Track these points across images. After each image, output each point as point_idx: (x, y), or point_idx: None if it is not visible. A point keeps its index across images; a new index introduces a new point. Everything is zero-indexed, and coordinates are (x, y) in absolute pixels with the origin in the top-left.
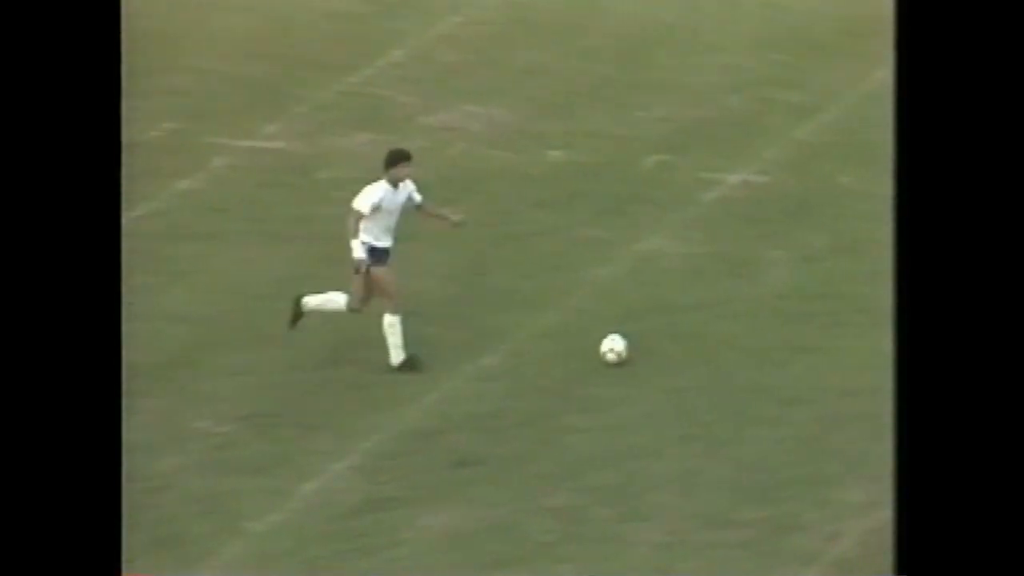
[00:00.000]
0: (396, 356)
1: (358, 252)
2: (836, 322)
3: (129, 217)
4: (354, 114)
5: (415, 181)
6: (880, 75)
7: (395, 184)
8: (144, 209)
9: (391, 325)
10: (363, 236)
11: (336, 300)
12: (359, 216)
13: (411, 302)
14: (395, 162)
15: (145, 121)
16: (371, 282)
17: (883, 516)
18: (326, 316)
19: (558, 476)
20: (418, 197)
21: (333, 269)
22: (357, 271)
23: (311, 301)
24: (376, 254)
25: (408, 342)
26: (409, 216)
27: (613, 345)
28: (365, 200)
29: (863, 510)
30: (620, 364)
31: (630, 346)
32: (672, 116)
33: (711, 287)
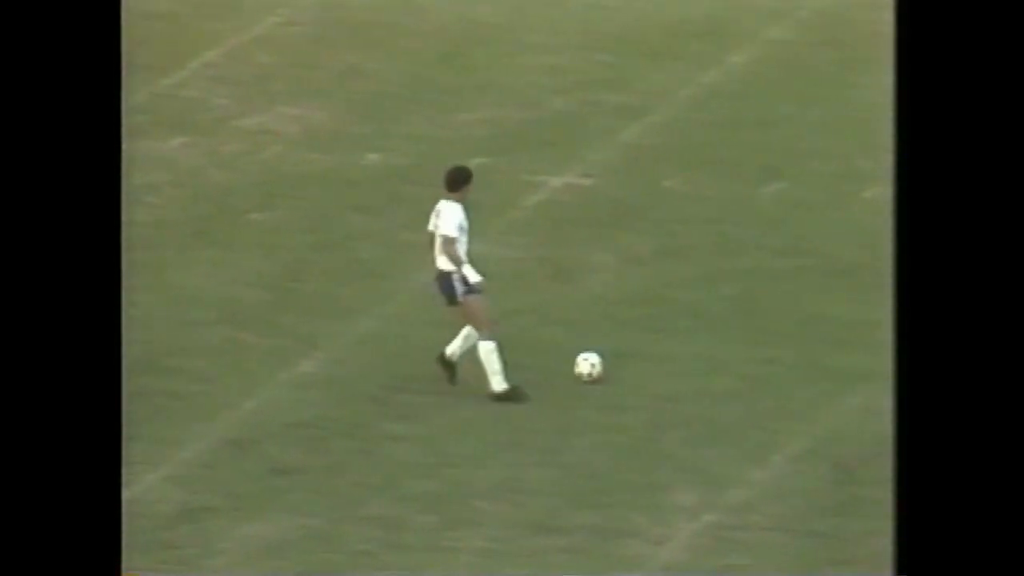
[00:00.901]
0: (497, 384)
1: (475, 276)
2: (662, 327)
3: None
4: (167, 117)
5: (228, 185)
6: (707, 78)
7: (464, 204)
8: None
9: (490, 352)
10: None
11: (471, 337)
12: (454, 241)
13: (227, 309)
14: (467, 180)
15: None
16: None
17: (712, 519)
18: (148, 322)
19: (378, 484)
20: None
21: (147, 276)
22: (463, 298)
23: (456, 351)
24: (465, 281)
25: (225, 350)
26: (227, 220)
27: (590, 358)
28: (452, 224)
29: (692, 514)
30: (594, 381)
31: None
32: (494, 118)
33: (534, 292)
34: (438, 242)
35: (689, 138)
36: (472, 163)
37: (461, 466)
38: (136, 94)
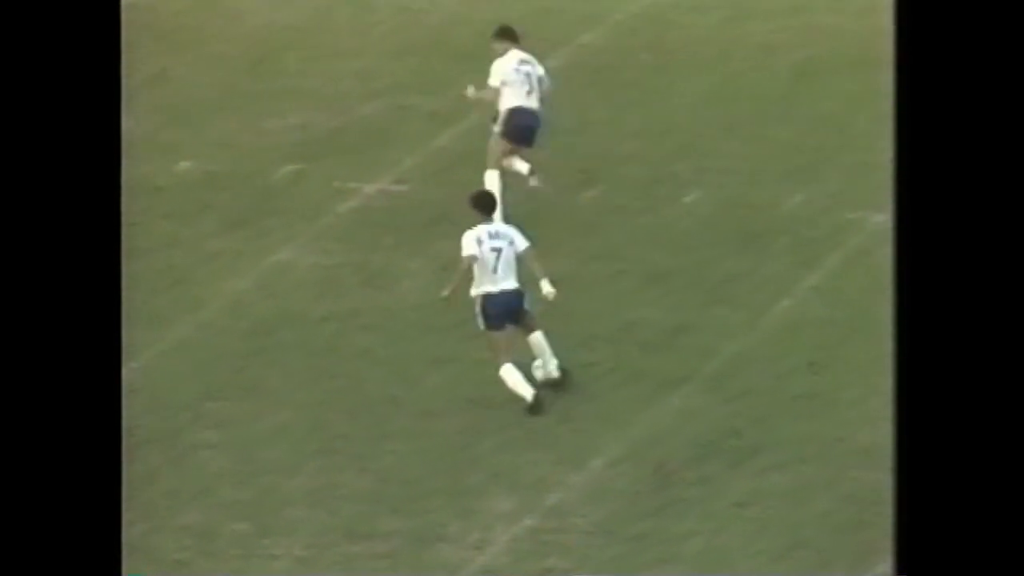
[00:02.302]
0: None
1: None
2: (475, 332)
3: None
4: None
5: None
6: None
7: None
8: None
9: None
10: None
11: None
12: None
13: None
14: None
15: None
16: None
17: (531, 523)
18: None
19: (190, 492)
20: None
21: None
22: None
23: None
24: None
25: None
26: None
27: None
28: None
29: (509, 518)
30: (553, 384)
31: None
32: (305, 124)
33: (345, 298)
34: (505, 262)
35: None
36: (284, 170)
37: (274, 473)
38: None
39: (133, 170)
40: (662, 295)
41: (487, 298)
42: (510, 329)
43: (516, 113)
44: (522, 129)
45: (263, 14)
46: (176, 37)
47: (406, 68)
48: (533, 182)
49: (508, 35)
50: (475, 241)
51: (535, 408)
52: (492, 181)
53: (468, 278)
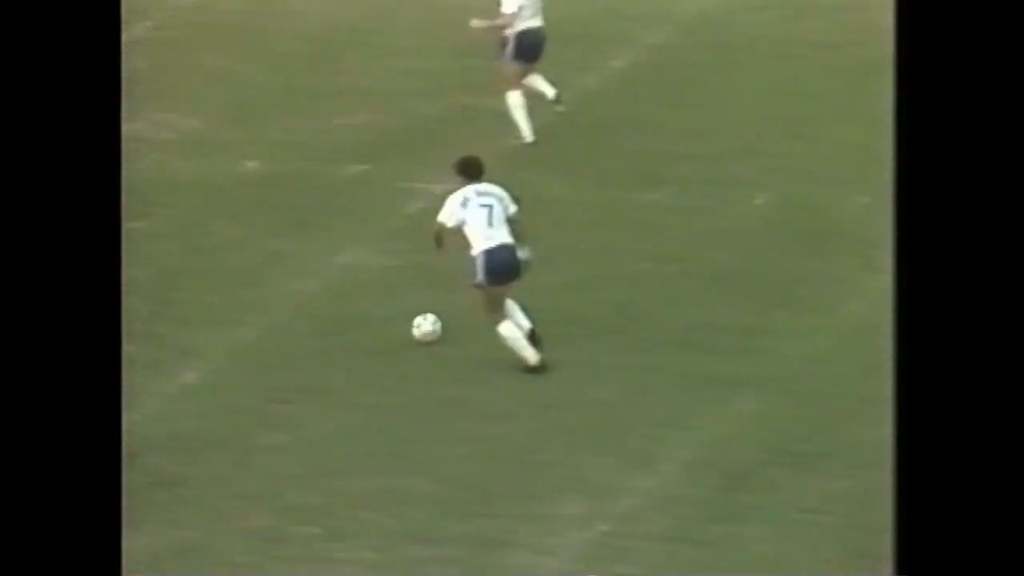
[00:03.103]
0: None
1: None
2: (541, 334)
3: None
4: None
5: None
6: (585, 82)
7: None
8: None
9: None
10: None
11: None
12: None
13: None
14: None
15: None
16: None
17: (603, 529)
18: None
19: (257, 496)
20: None
21: None
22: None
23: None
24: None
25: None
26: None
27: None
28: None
29: (580, 523)
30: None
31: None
32: (370, 124)
33: (411, 300)
34: (497, 217)
35: (567, 143)
36: (351, 169)
37: (341, 477)
38: None
39: (197, 170)
40: (729, 297)
41: (489, 254)
42: (509, 286)
43: (527, 34)
44: (533, 48)
45: (326, 13)
46: (239, 37)
47: (469, 68)
48: (560, 108)
49: None
50: (460, 203)
51: (537, 369)
52: (516, 101)
53: (463, 243)
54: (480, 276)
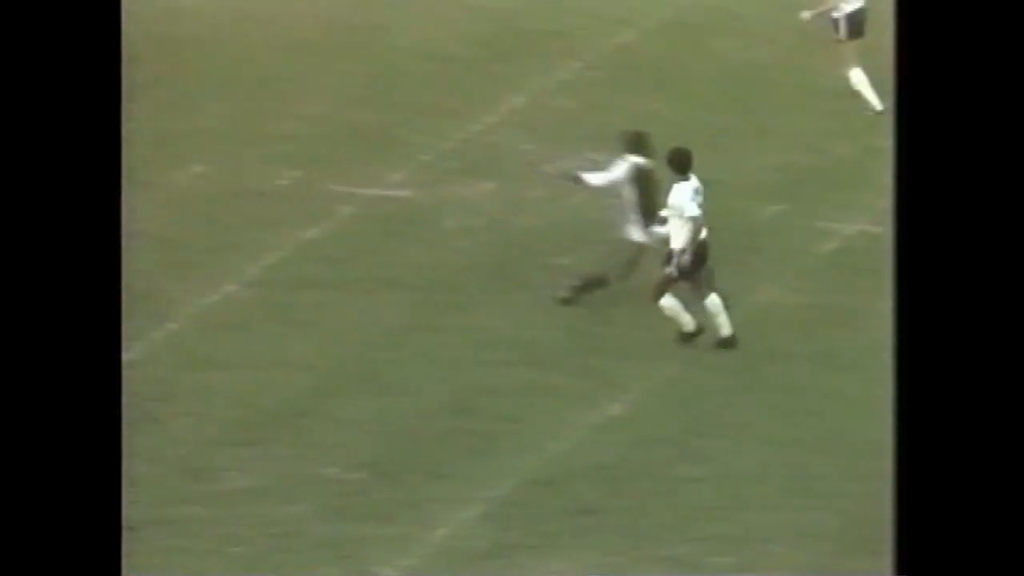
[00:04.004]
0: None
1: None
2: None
3: (256, 266)
4: (475, 162)
5: (533, 230)
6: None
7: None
8: (270, 258)
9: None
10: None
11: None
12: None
13: (529, 351)
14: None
15: (266, 169)
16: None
17: None
18: (456, 363)
19: (673, 525)
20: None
21: (455, 318)
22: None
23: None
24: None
25: (535, 391)
26: (531, 263)
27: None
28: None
29: None
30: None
31: None
32: (784, 164)
33: (821, 338)
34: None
35: None
36: (769, 210)
37: (753, 510)
38: (447, 140)
39: None
40: None
41: (699, 247)
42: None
43: (856, 13)
44: (861, 24)
45: (737, 53)
46: (660, 75)
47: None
48: (879, 107)
49: None
50: (692, 200)
51: (693, 336)
52: (860, 77)
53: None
54: (681, 267)
